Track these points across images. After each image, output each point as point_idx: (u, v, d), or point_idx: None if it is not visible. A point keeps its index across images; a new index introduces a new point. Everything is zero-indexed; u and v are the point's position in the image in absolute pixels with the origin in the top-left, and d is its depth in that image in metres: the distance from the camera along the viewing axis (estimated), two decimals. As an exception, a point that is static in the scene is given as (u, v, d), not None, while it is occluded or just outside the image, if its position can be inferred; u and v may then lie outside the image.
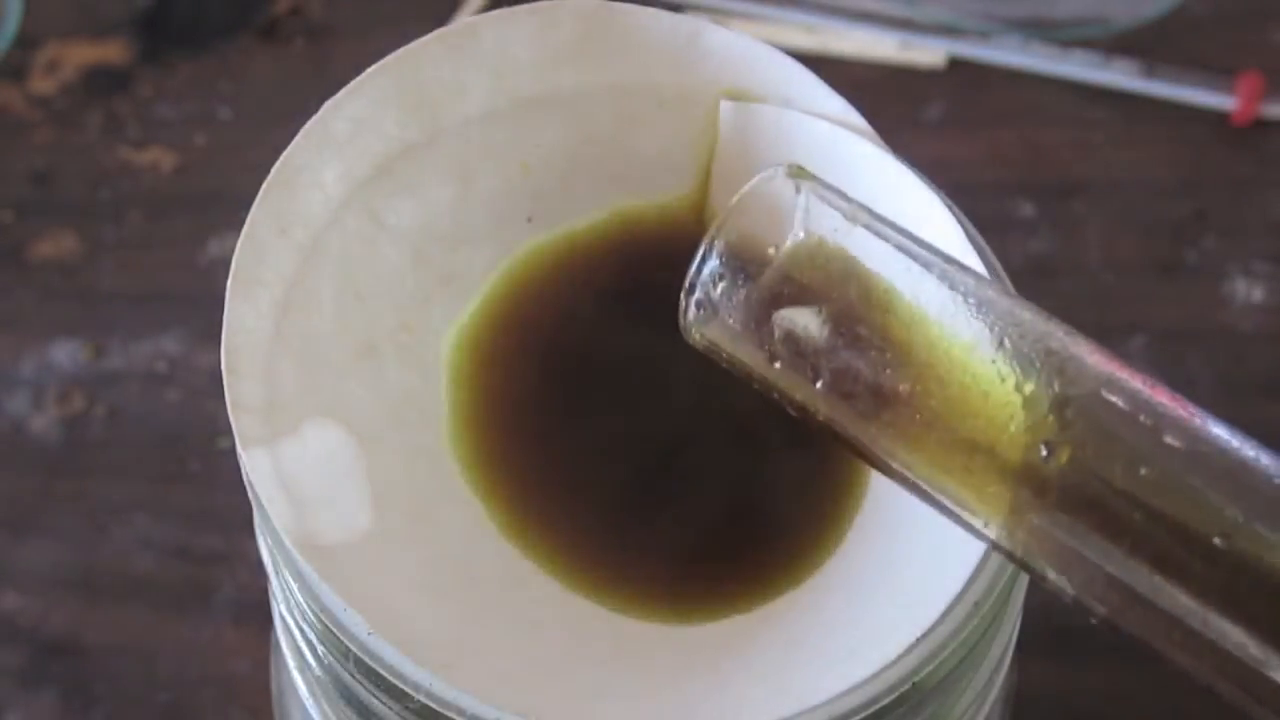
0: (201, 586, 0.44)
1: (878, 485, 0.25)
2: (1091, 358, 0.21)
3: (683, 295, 0.23)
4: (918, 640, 0.22)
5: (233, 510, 0.44)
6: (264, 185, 0.25)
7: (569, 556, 0.25)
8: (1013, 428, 0.21)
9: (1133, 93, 0.52)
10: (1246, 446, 0.20)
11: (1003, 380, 0.21)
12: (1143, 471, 0.20)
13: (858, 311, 0.22)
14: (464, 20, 0.27)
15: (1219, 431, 0.20)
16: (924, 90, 0.53)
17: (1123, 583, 0.20)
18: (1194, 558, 0.19)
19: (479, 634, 0.23)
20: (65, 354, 0.49)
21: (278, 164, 0.25)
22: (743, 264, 0.22)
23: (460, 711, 0.22)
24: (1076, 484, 0.20)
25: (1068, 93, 0.52)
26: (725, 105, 0.27)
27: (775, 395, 0.23)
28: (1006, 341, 0.21)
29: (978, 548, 0.23)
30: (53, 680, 0.43)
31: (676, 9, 0.27)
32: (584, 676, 0.23)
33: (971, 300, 0.22)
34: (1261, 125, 0.51)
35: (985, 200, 0.50)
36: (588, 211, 0.27)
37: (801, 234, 0.22)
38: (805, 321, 0.22)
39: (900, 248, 0.22)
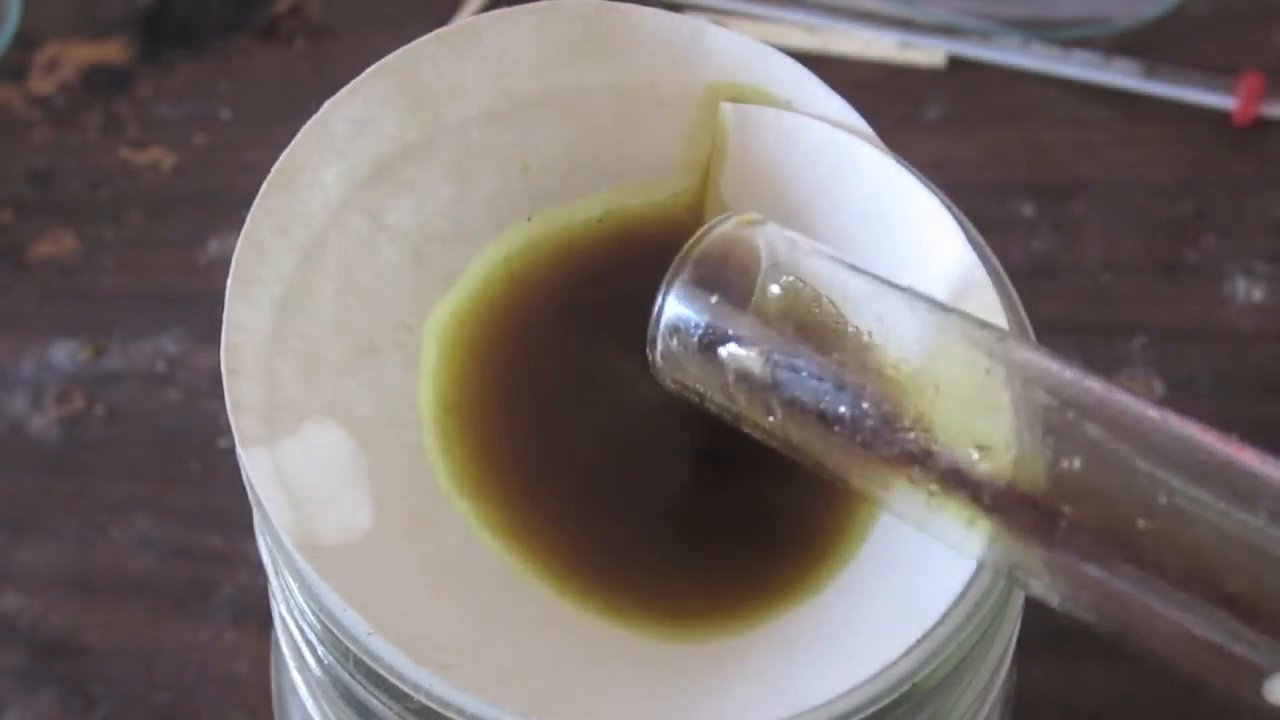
0: (201, 586, 0.44)
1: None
2: (1020, 353, 0.22)
3: (648, 349, 0.24)
4: (918, 641, 0.22)
5: (233, 510, 0.44)
6: (264, 185, 0.25)
7: (566, 569, 0.25)
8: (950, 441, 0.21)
9: (1133, 93, 0.52)
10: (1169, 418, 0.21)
11: (937, 390, 0.22)
12: (1074, 464, 0.20)
13: (803, 348, 0.23)
14: (464, 20, 0.27)
15: (1143, 411, 0.21)
16: (924, 90, 0.53)
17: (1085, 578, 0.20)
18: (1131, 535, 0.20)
19: (479, 634, 0.23)
20: (65, 354, 0.49)
21: (278, 164, 0.25)
22: (694, 312, 0.24)
23: (460, 711, 0.22)
24: (1018, 486, 0.21)
25: (1068, 93, 0.52)
26: (726, 107, 0.27)
27: (749, 430, 0.24)
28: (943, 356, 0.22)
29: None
30: (52, 680, 0.43)
31: (676, 9, 0.27)
32: (584, 676, 0.23)
33: (916, 323, 0.23)
34: (1261, 125, 0.51)
35: (985, 200, 0.50)
36: (587, 211, 0.27)
37: (749, 278, 0.23)
38: (751, 363, 0.23)
39: (844, 273, 0.24)
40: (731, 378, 0.23)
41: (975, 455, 0.21)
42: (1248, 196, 0.50)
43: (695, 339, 0.24)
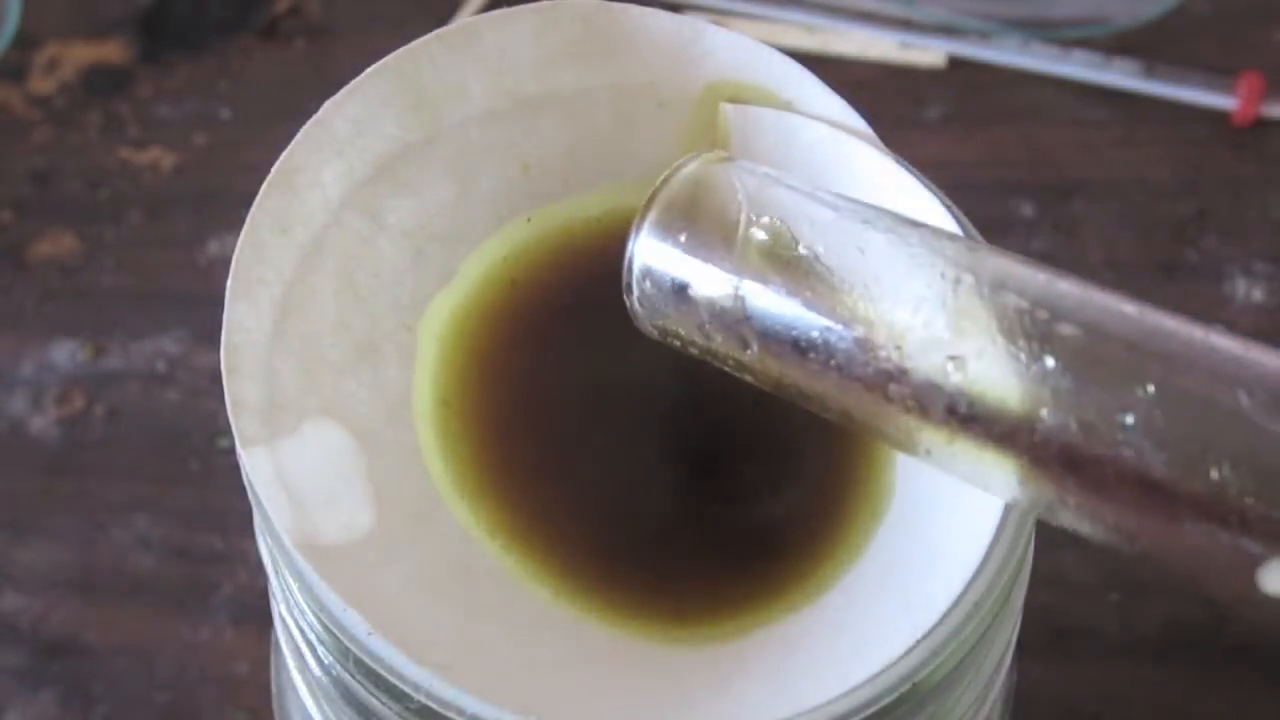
0: (201, 586, 0.44)
1: (887, 497, 0.25)
2: (990, 260, 0.22)
3: (625, 297, 0.25)
4: (918, 641, 0.22)
5: (233, 510, 0.44)
6: (264, 185, 0.25)
7: (565, 570, 0.25)
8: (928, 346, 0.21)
9: (1133, 93, 0.52)
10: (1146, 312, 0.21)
11: (918, 306, 0.22)
12: (1049, 364, 0.20)
13: (775, 280, 0.23)
14: (464, 20, 0.27)
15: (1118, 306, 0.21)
16: (924, 90, 0.53)
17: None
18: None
19: (478, 634, 0.23)
20: (65, 354, 0.49)
21: (278, 164, 0.25)
22: (664, 253, 0.24)
23: (460, 711, 0.22)
24: (993, 393, 0.21)
25: (1068, 93, 0.52)
26: (726, 107, 0.27)
27: (732, 369, 0.24)
28: (922, 274, 0.22)
29: (978, 548, 0.23)
30: (52, 680, 0.43)
31: (676, 9, 0.27)
32: (584, 677, 0.23)
33: (884, 243, 0.23)
34: (1261, 125, 0.51)
35: (985, 200, 0.50)
36: (587, 211, 0.27)
37: (717, 216, 0.24)
38: (724, 299, 0.23)
39: (811, 204, 0.24)
40: (705, 315, 0.23)
41: (950, 367, 0.21)
42: (1248, 196, 0.50)
43: (667, 280, 0.24)
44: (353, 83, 0.26)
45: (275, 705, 0.31)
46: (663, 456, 0.26)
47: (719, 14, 0.54)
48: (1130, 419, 0.20)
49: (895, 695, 0.22)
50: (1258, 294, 0.47)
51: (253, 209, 0.25)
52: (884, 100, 0.52)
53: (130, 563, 0.45)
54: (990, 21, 0.53)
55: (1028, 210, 0.49)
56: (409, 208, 0.26)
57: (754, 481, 0.26)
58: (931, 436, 0.22)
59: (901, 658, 0.22)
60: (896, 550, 0.24)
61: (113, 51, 0.56)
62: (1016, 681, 0.30)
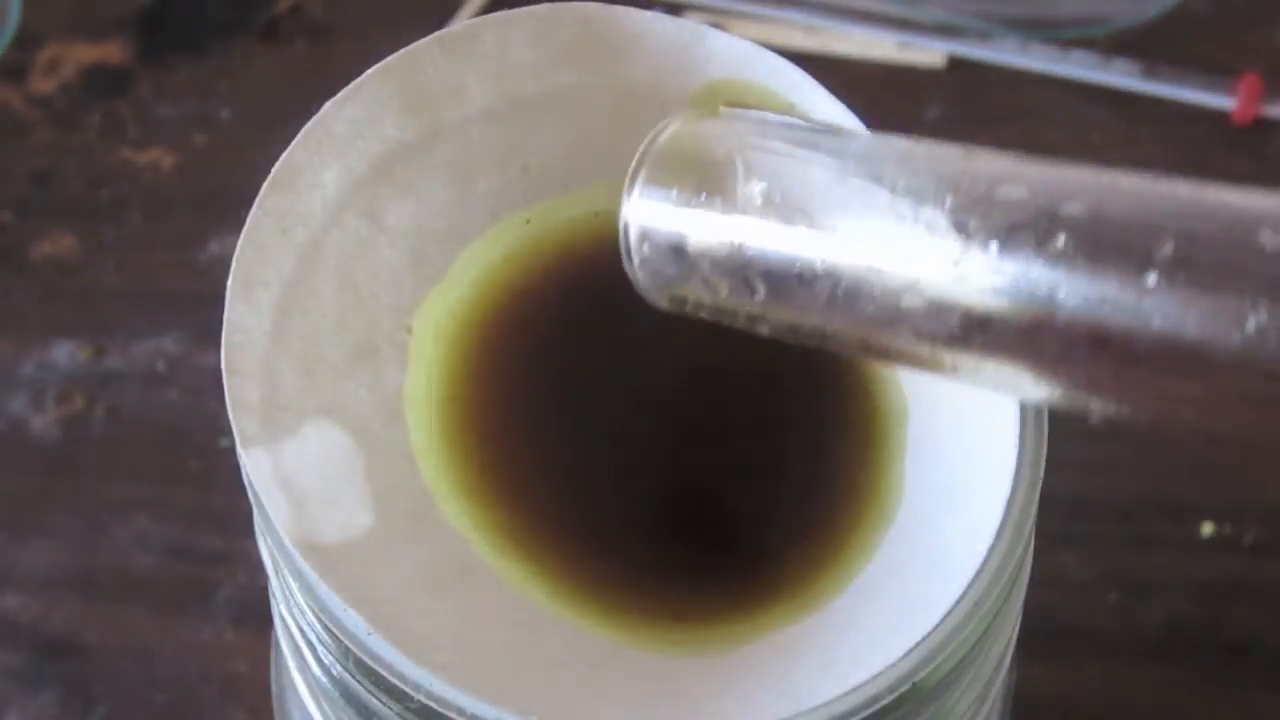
0: (201, 586, 0.44)
1: (887, 499, 0.25)
2: (981, 160, 0.21)
3: (625, 266, 0.24)
4: (918, 641, 0.22)
5: (233, 510, 0.44)
6: (264, 185, 0.25)
7: (563, 573, 0.25)
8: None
9: (1133, 93, 0.52)
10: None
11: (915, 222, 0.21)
12: (1060, 244, 0.20)
13: (768, 214, 0.23)
14: (464, 22, 0.27)
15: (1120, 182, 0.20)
16: (924, 90, 0.53)
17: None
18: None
19: (478, 634, 0.23)
20: (65, 354, 0.49)
21: (278, 164, 0.25)
22: (658, 210, 0.24)
23: (460, 711, 0.22)
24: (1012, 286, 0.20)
25: (1068, 93, 0.52)
26: (725, 111, 0.27)
27: (745, 325, 0.24)
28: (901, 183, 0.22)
29: (979, 548, 0.23)
30: (52, 680, 0.43)
31: (676, 11, 0.27)
32: (584, 677, 0.23)
33: (860, 162, 0.22)
34: (1261, 125, 0.51)
35: (985, 200, 0.49)
36: (586, 214, 0.27)
37: (706, 168, 0.24)
38: (723, 247, 0.23)
39: (793, 132, 0.24)
40: (708, 268, 0.23)
41: (960, 271, 0.20)
42: (1247, 197, 0.50)
43: (664, 237, 0.24)
44: (353, 83, 0.26)
45: (275, 705, 0.31)
46: (663, 457, 0.26)
47: (719, 14, 0.54)
48: (1152, 279, 0.19)
49: (895, 695, 0.22)
50: (1257, 294, 0.47)
51: (253, 209, 0.25)
52: (884, 100, 0.52)
53: (130, 563, 0.45)
54: (990, 21, 0.53)
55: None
56: (409, 209, 0.26)
57: (757, 485, 0.26)
58: (953, 347, 0.21)
59: (901, 658, 0.22)
60: (900, 554, 0.24)
61: (113, 51, 0.56)
62: (1016, 681, 0.30)
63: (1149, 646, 0.41)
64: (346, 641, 0.23)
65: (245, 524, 0.26)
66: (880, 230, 0.21)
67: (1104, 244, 0.19)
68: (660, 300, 0.25)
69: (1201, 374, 0.18)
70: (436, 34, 0.26)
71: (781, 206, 0.23)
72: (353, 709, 0.24)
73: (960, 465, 0.24)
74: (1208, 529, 0.43)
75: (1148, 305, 0.19)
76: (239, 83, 0.55)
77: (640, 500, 0.26)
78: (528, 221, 0.27)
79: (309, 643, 0.24)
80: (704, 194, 0.23)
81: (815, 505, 0.25)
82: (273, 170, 0.25)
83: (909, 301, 0.21)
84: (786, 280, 0.22)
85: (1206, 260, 0.18)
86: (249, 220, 0.25)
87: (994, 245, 0.20)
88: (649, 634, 0.24)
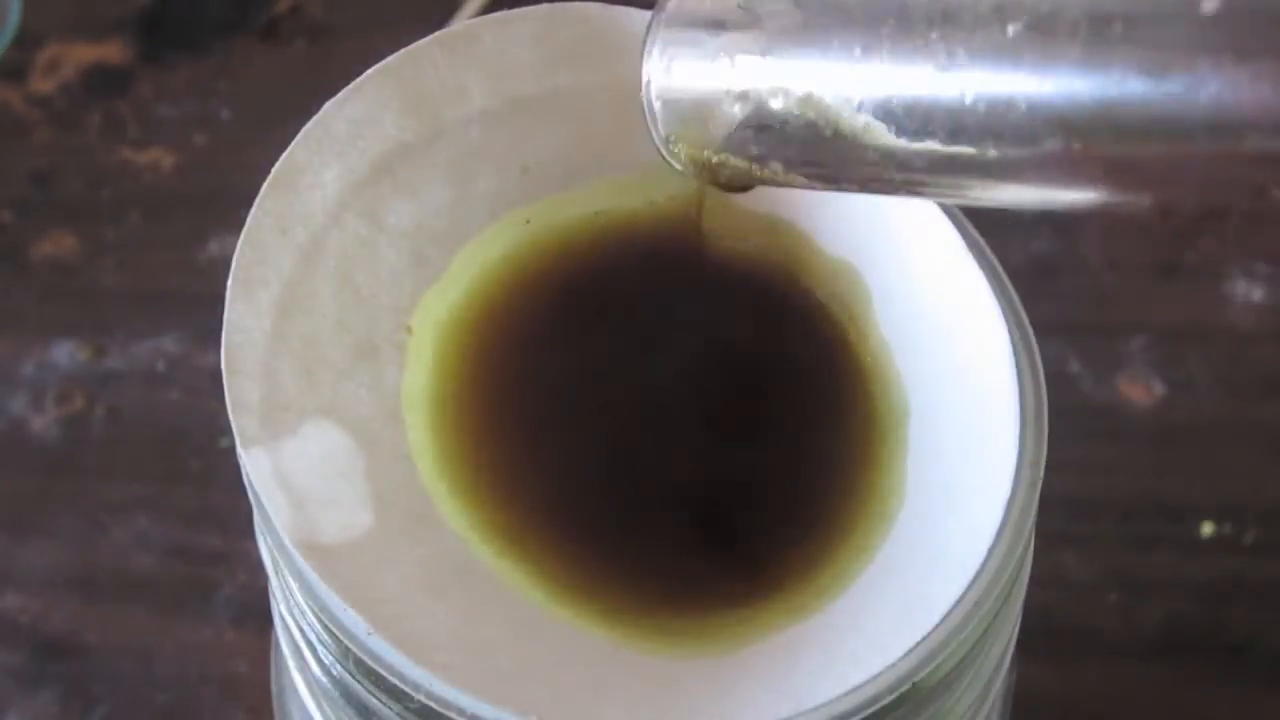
0: (201, 586, 0.44)
1: (887, 499, 0.25)
2: None
3: (650, 130, 0.24)
4: (918, 642, 0.22)
5: (233, 510, 0.44)
6: (264, 185, 0.25)
7: (562, 573, 0.25)
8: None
9: (1133, 93, 0.51)
10: None
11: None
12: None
13: (788, 29, 0.22)
14: (464, 23, 0.27)
15: None
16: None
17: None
18: None
19: (478, 634, 0.23)
20: (65, 354, 0.49)
21: (278, 164, 0.25)
22: (681, 53, 0.23)
23: (460, 711, 0.22)
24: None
25: (1068, 93, 0.52)
26: None
27: (770, 168, 0.23)
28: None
29: (979, 548, 0.23)
30: (52, 680, 0.43)
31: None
32: (584, 677, 0.23)
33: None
34: (1261, 125, 0.51)
35: (985, 200, 0.49)
36: (586, 214, 0.27)
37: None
38: (743, 55, 0.22)
39: None
40: (735, 105, 0.23)
41: (970, 78, 0.20)
42: (1247, 197, 0.50)
43: (685, 77, 0.23)
44: (353, 83, 0.26)
45: (275, 705, 0.31)
46: (662, 457, 0.26)
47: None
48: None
49: (895, 695, 0.22)
50: (1258, 294, 0.47)
51: (253, 209, 0.25)
52: None
53: (130, 563, 0.45)
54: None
55: (1027, 212, 0.49)
56: (408, 209, 0.26)
57: (756, 484, 0.26)
58: (974, 168, 0.21)
59: (901, 658, 0.22)
60: (901, 554, 0.24)
61: (113, 51, 0.56)
62: (1016, 681, 0.30)
63: (1149, 646, 0.41)
64: (346, 641, 0.23)
65: (245, 524, 0.26)
66: (890, 37, 0.21)
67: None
68: (685, 166, 0.24)
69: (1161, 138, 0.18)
70: (436, 34, 0.26)
71: (805, 29, 0.22)
72: (353, 709, 0.24)
73: (960, 465, 0.24)
74: (1208, 529, 0.43)
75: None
76: (239, 83, 0.55)
77: (640, 501, 0.26)
78: (527, 221, 0.27)
79: (309, 643, 0.24)
80: (720, 23, 0.23)
81: (815, 505, 0.25)
82: (273, 170, 0.25)
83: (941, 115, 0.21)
84: (820, 101, 0.22)
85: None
86: (249, 220, 0.25)
87: (987, 50, 0.20)
88: (649, 634, 0.24)
